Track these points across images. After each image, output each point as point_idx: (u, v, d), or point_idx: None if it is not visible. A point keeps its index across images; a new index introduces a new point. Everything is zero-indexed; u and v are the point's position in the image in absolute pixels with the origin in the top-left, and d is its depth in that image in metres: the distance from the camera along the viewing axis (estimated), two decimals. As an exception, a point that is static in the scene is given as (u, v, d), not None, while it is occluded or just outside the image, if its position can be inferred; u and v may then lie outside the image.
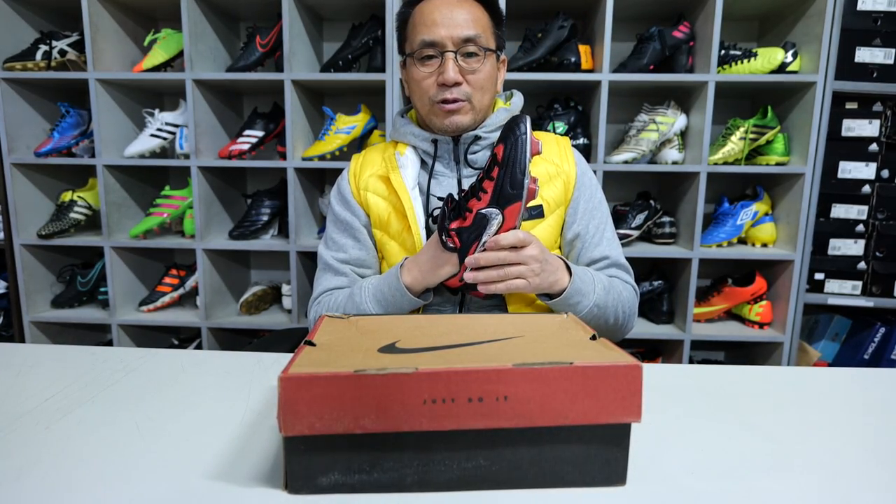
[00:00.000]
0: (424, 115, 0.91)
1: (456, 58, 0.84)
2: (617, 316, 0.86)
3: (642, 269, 1.70)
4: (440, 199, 0.89)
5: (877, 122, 1.57)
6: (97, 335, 1.96)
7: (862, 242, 1.61)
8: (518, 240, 0.72)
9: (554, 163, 0.91)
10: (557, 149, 0.93)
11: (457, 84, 0.84)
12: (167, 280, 1.79)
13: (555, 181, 0.90)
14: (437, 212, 0.86)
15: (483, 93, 0.88)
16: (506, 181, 0.70)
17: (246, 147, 1.65)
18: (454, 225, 0.75)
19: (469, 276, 0.74)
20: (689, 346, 1.63)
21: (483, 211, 0.72)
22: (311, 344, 0.51)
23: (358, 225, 0.93)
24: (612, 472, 0.45)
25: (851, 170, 1.59)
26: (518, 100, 0.97)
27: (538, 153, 0.72)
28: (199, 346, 1.85)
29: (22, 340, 1.76)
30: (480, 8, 0.88)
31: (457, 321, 0.60)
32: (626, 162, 1.58)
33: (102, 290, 1.76)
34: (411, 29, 0.89)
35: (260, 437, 0.53)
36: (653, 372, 0.71)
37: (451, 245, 0.74)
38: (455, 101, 0.85)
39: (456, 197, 0.77)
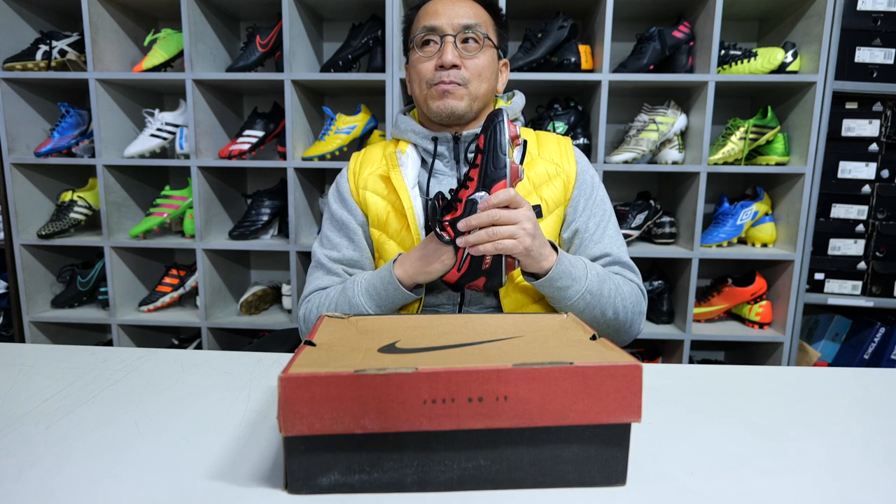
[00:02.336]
0: (422, 101, 0.91)
1: (455, 43, 0.87)
2: (616, 310, 0.83)
3: (642, 269, 1.69)
4: (430, 200, 0.89)
5: (877, 122, 1.57)
6: (97, 335, 1.96)
7: (862, 242, 1.61)
8: (510, 197, 0.71)
9: (554, 162, 0.91)
10: (558, 148, 0.93)
11: (455, 67, 0.86)
12: (167, 280, 1.79)
13: (554, 181, 0.90)
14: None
15: (480, 81, 0.89)
16: (489, 163, 0.73)
17: (246, 147, 1.65)
18: (448, 218, 0.76)
19: (460, 241, 0.74)
20: (689, 346, 1.63)
21: (471, 196, 0.73)
22: (311, 344, 0.51)
23: (354, 225, 0.93)
24: (612, 472, 0.44)
25: (851, 170, 1.59)
26: (519, 99, 0.97)
27: (516, 136, 0.74)
28: (199, 346, 1.85)
29: (22, 340, 1.76)
30: (483, 9, 0.91)
31: (457, 321, 0.60)
32: (626, 162, 1.58)
33: (102, 290, 1.76)
34: (415, 24, 0.92)
35: (260, 437, 0.53)
36: (653, 372, 0.71)
37: (447, 238, 0.75)
38: (451, 83, 0.86)
39: (447, 195, 0.78)
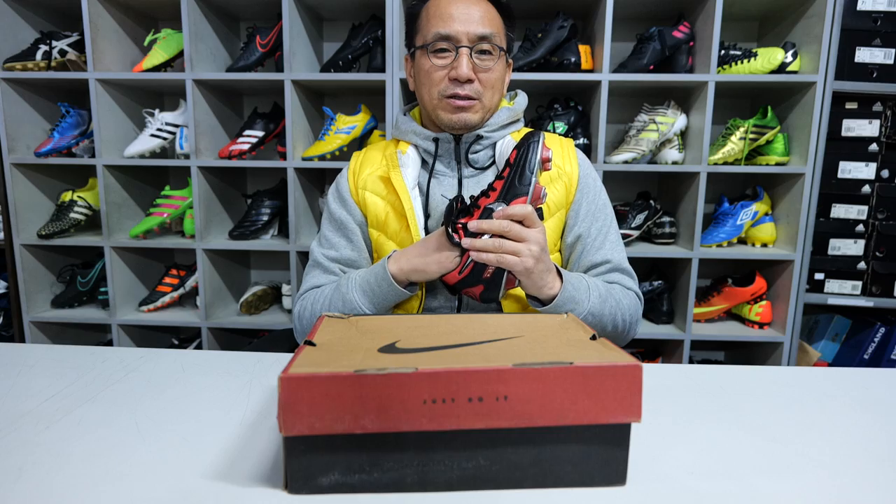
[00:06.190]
0: (431, 109, 0.89)
1: (471, 54, 0.84)
2: (616, 324, 0.84)
3: (642, 269, 1.70)
4: (443, 196, 0.89)
5: (877, 122, 1.57)
6: (97, 335, 1.96)
7: (862, 242, 1.61)
8: (526, 213, 0.72)
9: (556, 165, 0.90)
10: (560, 150, 0.92)
11: (469, 81, 0.84)
12: (167, 280, 1.79)
13: (556, 184, 0.90)
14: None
15: (493, 92, 0.88)
16: (515, 178, 0.75)
17: (246, 147, 1.65)
18: (462, 221, 0.76)
19: (466, 242, 0.74)
20: (689, 346, 1.63)
21: (490, 205, 0.74)
22: (311, 344, 0.51)
23: (352, 225, 0.93)
24: (612, 472, 0.44)
25: (851, 170, 1.59)
26: (522, 100, 0.97)
27: (548, 159, 0.76)
28: (199, 346, 1.85)
29: (22, 340, 1.76)
30: (494, 9, 0.88)
31: (457, 321, 0.60)
32: (626, 162, 1.57)
33: (102, 290, 1.76)
34: (424, 21, 0.87)
35: (260, 437, 0.53)
36: (653, 372, 0.71)
37: (457, 240, 0.75)
38: (466, 97, 0.85)
39: (466, 200, 0.79)
